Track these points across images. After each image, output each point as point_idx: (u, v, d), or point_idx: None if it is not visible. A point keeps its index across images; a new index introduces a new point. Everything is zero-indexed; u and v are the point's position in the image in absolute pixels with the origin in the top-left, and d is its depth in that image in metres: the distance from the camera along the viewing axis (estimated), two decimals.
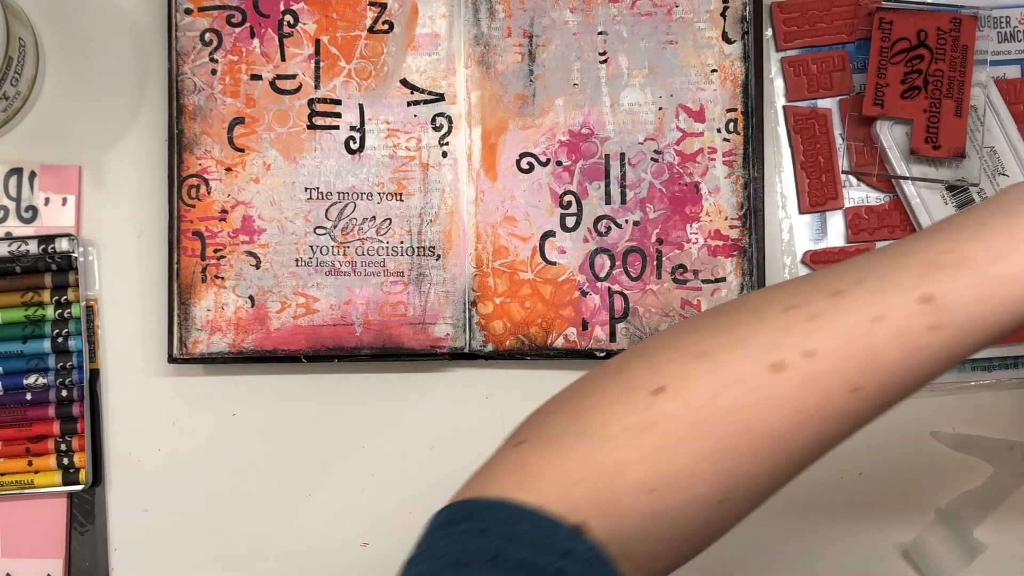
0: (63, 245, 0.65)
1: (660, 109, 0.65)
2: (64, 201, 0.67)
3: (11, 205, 0.67)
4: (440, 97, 0.65)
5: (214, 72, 0.65)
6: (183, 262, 0.65)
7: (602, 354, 0.65)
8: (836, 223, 0.68)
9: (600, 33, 0.66)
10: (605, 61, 0.66)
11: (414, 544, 0.39)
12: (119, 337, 0.67)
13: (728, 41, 0.65)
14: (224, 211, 0.65)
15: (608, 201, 0.65)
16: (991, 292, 0.36)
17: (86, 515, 0.67)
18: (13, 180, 0.67)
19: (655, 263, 0.65)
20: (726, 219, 0.65)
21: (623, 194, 0.65)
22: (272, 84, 0.65)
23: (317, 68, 0.66)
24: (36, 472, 0.66)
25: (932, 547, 0.66)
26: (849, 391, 0.36)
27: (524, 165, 0.65)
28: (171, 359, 0.65)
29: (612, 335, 0.65)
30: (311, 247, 0.65)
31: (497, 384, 0.67)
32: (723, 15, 0.65)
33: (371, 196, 0.65)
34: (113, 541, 0.67)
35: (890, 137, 0.65)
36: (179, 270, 0.65)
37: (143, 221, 0.67)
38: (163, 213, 0.66)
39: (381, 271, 0.65)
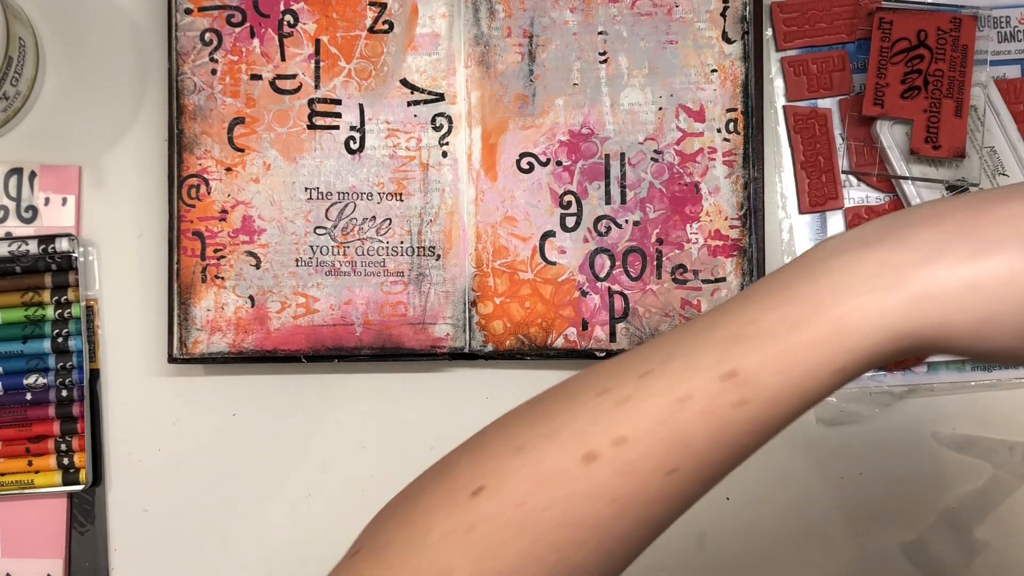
0: (63, 245, 0.65)
1: (660, 109, 0.65)
2: (64, 201, 0.67)
3: (11, 205, 0.67)
4: (440, 97, 0.65)
5: (214, 72, 0.65)
6: (183, 262, 0.65)
7: (602, 354, 0.65)
8: (836, 223, 0.68)
9: (600, 33, 0.66)
10: (605, 61, 0.66)
11: None
12: (119, 337, 0.67)
13: (728, 41, 0.65)
14: (224, 211, 0.65)
15: (608, 201, 0.65)
16: (793, 362, 0.35)
17: (86, 515, 0.67)
18: (13, 180, 0.67)
19: (655, 263, 0.65)
20: (726, 219, 0.65)
21: (623, 194, 0.65)
22: (272, 84, 0.65)
23: (317, 68, 0.66)
24: (36, 472, 0.66)
25: (932, 547, 0.66)
26: (665, 474, 0.35)
27: (524, 165, 0.65)
28: (171, 359, 0.65)
29: (612, 335, 0.65)
30: (311, 247, 0.65)
31: (497, 384, 0.67)
32: (723, 15, 0.65)
33: (371, 196, 0.65)
34: (113, 541, 0.67)
35: (890, 137, 0.65)
36: (179, 270, 0.65)
37: (143, 221, 0.67)
38: (163, 213, 0.66)
39: (381, 271, 0.65)
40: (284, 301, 0.65)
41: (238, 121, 0.65)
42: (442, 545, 0.37)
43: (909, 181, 0.66)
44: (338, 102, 0.65)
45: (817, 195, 0.67)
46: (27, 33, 0.66)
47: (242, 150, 0.65)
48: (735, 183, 0.65)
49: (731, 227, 0.65)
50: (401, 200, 0.65)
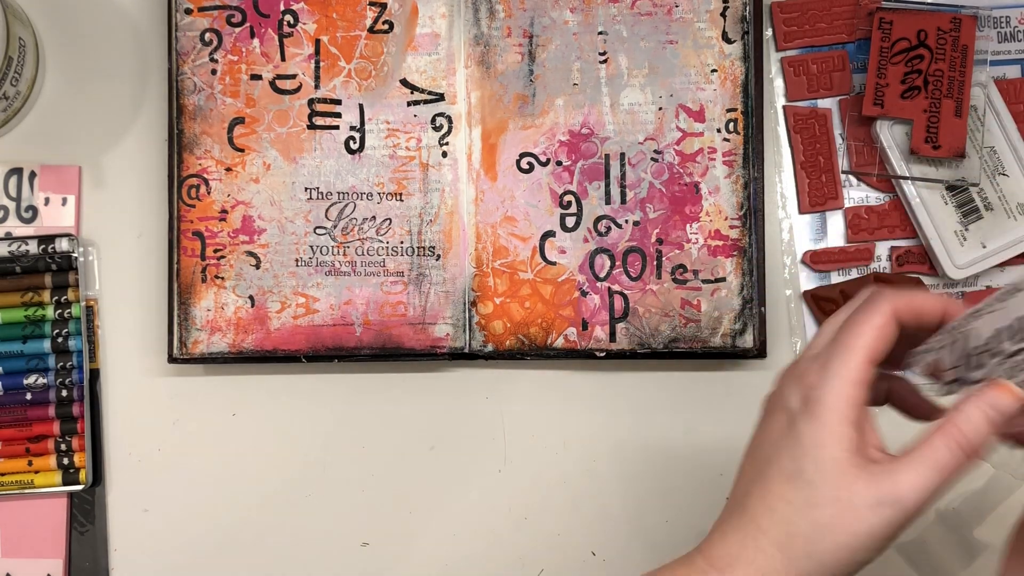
0: (63, 245, 0.65)
1: (660, 109, 0.65)
2: (64, 201, 0.67)
3: (11, 205, 0.67)
4: (440, 97, 0.65)
5: (214, 72, 0.65)
6: (183, 262, 0.65)
7: (602, 354, 0.65)
8: (836, 223, 0.68)
9: (600, 33, 0.66)
10: (605, 61, 0.66)
11: None
12: (119, 337, 0.67)
13: (728, 41, 0.65)
14: (224, 211, 0.65)
15: (608, 201, 0.65)
16: None
17: (86, 515, 0.67)
18: (13, 180, 0.67)
19: (655, 263, 0.65)
20: (726, 219, 0.65)
21: (623, 194, 0.65)
22: (272, 84, 0.65)
23: (317, 68, 0.66)
24: (36, 472, 0.66)
25: (932, 547, 0.66)
26: None
27: (524, 165, 0.65)
28: (171, 359, 0.65)
29: (612, 335, 0.65)
30: (311, 247, 0.65)
31: (497, 384, 0.67)
32: (723, 15, 0.65)
33: (371, 196, 0.65)
34: (113, 541, 0.67)
35: (890, 137, 0.65)
36: (179, 270, 0.65)
37: (143, 221, 0.67)
38: (163, 213, 0.66)
39: (381, 271, 0.65)
40: (284, 301, 0.65)
41: (238, 121, 0.65)
42: None
43: (909, 181, 0.66)
44: (338, 102, 0.65)
45: (817, 195, 0.67)
46: (27, 33, 0.66)
47: (242, 150, 0.65)
48: (735, 183, 0.65)
49: (731, 227, 0.65)
50: (401, 200, 0.65)
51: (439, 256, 0.65)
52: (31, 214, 0.67)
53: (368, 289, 0.65)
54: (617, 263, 0.65)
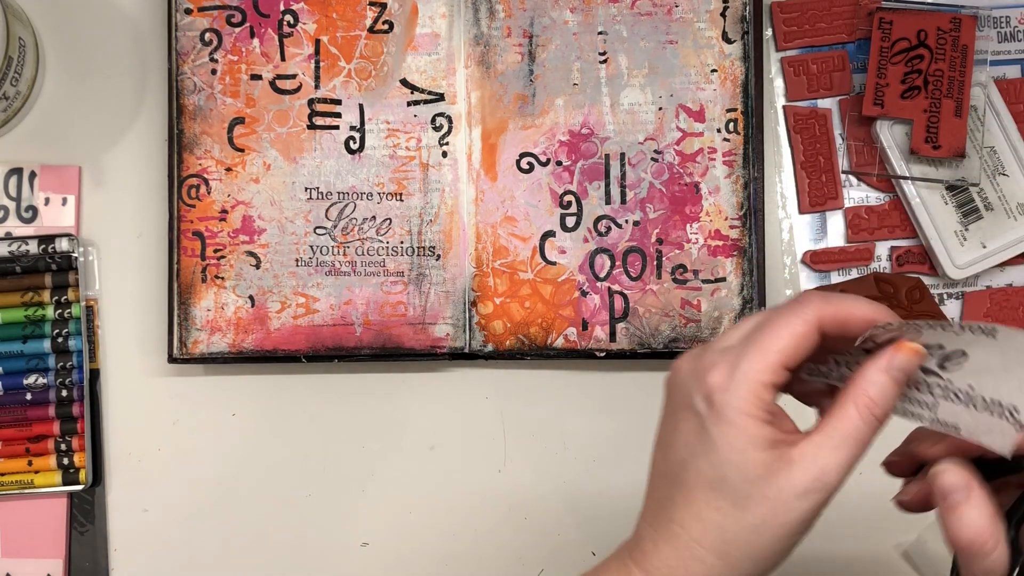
0: (63, 245, 0.65)
1: (660, 109, 0.65)
2: (64, 201, 0.67)
3: (11, 205, 0.67)
4: (440, 97, 0.66)
5: (214, 72, 0.65)
6: (183, 262, 0.65)
7: (602, 354, 0.65)
8: (836, 223, 0.68)
9: (600, 33, 0.66)
10: (605, 61, 0.66)
11: None
12: (119, 337, 0.67)
13: (728, 41, 0.65)
14: (224, 211, 0.65)
15: (608, 201, 0.65)
16: None
17: (86, 515, 0.67)
18: (13, 180, 0.67)
19: (655, 263, 0.65)
20: (726, 219, 0.65)
21: (623, 194, 0.65)
22: (272, 84, 0.65)
23: (317, 68, 0.66)
24: (36, 472, 0.66)
25: (932, 547, 0.66)
26: None
27: (524, 165, 0.65)
28: (171, 359, 0.65)
29: (612, 335, 0.65)
30: (311, 247, 0.65)
31: (497, 384, 0.67)
32: (723, 15, 0.65)
33: (371, 196, 0.65)
34: (113, 541, 0.67)
35: (890, 137, 0.65)
36: (179, 270, 0.65)
37: (143, 221, 0.67)
38: (163, 213, 0.66)
39: (381, 271, 0.65)
40: (284, 301, 0.65)
41: (238, 121, 0.65)
42: None
43: (909, 181, 0.66)
44: (338, 102, 0.65)
45: (817, 195, 0.67)
46: (27, 33, 0.66)
47: (242, 150, 0.65)
48: (735, 183, 0.65)
49: (731, 227, 0.65)
50: (401, 200, 0.65)
51: (439, 256, 0.65)
52: (31, 214, 0.67)
53: (368, 289, 0.65)
54: (617, 263, 0.65)
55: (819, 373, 0.42)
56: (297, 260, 0.65)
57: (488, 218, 0.65)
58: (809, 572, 0.68)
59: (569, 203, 0.65)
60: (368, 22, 0.66)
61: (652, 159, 0.65)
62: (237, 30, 0.65)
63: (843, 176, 0.67)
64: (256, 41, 0.65)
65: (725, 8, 0.65)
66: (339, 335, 0.65)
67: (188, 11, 0.65)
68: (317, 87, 0.65)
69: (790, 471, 0.38)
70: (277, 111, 0.65)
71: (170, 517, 0.67)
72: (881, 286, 0.66)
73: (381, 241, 0.65)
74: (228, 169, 0.65)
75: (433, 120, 0.65)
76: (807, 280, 0.67)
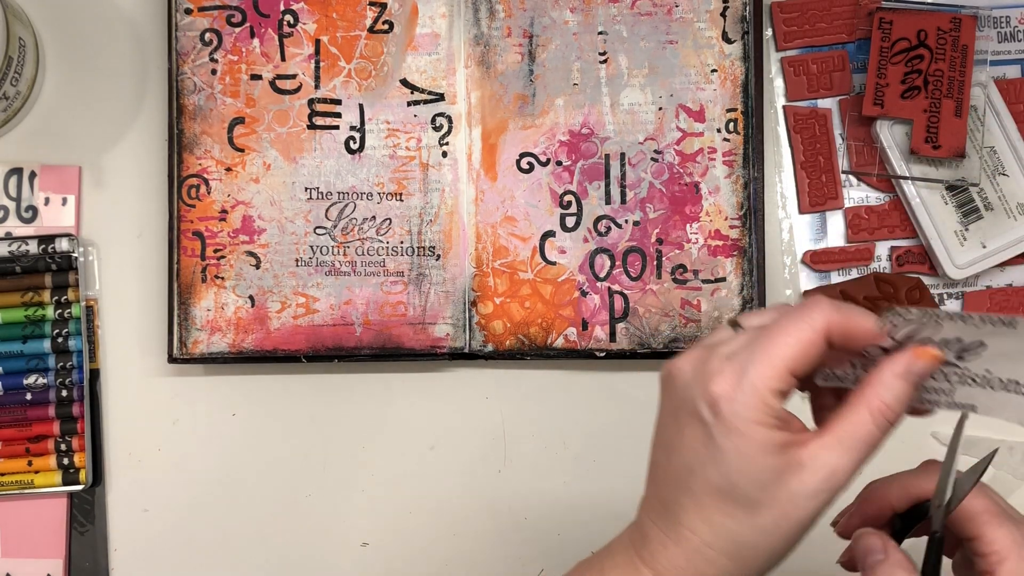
0: (63, 245, 0.65)
1: (660, 109, 0.65)
2: (64, 201, 0.67)
3: (11, 205, 0.67)
4: (440, 97, 0.66)
5: (214, 72, 0.65)
6: (183, 262, 0.65)
7: (602, 354, 0.65)
8: (836, 223, 0.68)
9: (600, 33, 0.66)
10: (605, 61, 0.66)
11: None
12: (119, 337, 0.67)
13: (728, 41, 0.65)
14: (224, 211, 0.65)
15: (608, 201, 0.65)
16: None
17: (86, 515, 0.67)
18: (13, 180, 0.67)
19: (655, 263, 0.65)
20: (726, 219, 0.65)
21: (623, 194, 0.65)
22: (272, 84, 0.65)
23: (317, 68, 0.66)
24: (36, 472, 0.66)
25: None
26: None
27: (524, 165, 0.65)
28: (171, 359, 0.65)
29: (612, 335, 0.65)
30: (311, 247, 0.65)
31: (497, 384, 0.67)
32: (723, 15, 0.65)
33: (371, 196, 0.65)
34: (113, 541, 0.67)
35: (890, 137, 0.65)
36: (179, 270, 0.65)
37: (143, 221, 0.67)
38: (163, 213, 0.66)
39: (381, 271, 0.65)
40: (284, 301, 0.65)
41: (238, 121, 0.65)
42: None
43: (909, 181, 0.66)
44: (338, 102, 0.65)
45: (817, 195, 0.67)
46: (27, 33, 0.66)
47: (242, 150, 0.65)
48: (735, 183, 0.65)
49: (731, 227, 0.65)
50: (401, 200, 0.65)
51: (439, 256, 0.65)
52: (31, 214, 0.67)
53: (368, 289, 0.65)
54: (617, 263, 0.65)
55: (834, 378, 0.42)
56: (297, 260, 0.65)
57: (488, 218, 0.65)
58: (809, 571, 0.68)
59: (569, 203, 0.65)
60: (368, 22, 0.66)
61: (652, 159, 0.65)
62: (237, 30, 0.65)
63: (843, 176, 0.67)
64: (256, 41, 0.65)
65: (725, 8, 0.65)
66: (339, 335, 0.65)
67: (188, 11, 0.65)
68: (317, 87, 0.65)
69: (801, 474, 0.39)
70: (277, 111, 0.65)
71: (170, 517, 0.67)
72: (881, 286, 0.66)
73: (381, 241, 0.65)
74: (228, 169, 0.65)
75: (433, 120, 0.65)
76: (807, 280, 0.67)
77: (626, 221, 0.65)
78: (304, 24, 0.66)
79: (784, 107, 0.68)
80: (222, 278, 0.65)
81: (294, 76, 0.65)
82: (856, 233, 0.67)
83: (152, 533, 0.67)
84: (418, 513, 0.68)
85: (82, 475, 0.66)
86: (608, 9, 0.66)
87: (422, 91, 0.65)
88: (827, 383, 0.42)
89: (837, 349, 0.40)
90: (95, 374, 0.67)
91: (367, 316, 0.65)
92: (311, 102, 0.65)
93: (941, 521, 0.42)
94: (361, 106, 0.65)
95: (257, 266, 0.65)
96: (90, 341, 0.67)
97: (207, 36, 0.65)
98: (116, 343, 0.67)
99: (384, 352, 0.65)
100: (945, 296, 0.67)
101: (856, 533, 0.42)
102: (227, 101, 0.65)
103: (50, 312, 0.66)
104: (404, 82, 0.66)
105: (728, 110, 0.65)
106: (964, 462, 0.43)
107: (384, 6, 0.66)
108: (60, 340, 0.66)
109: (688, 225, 0.65)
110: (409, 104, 0.65)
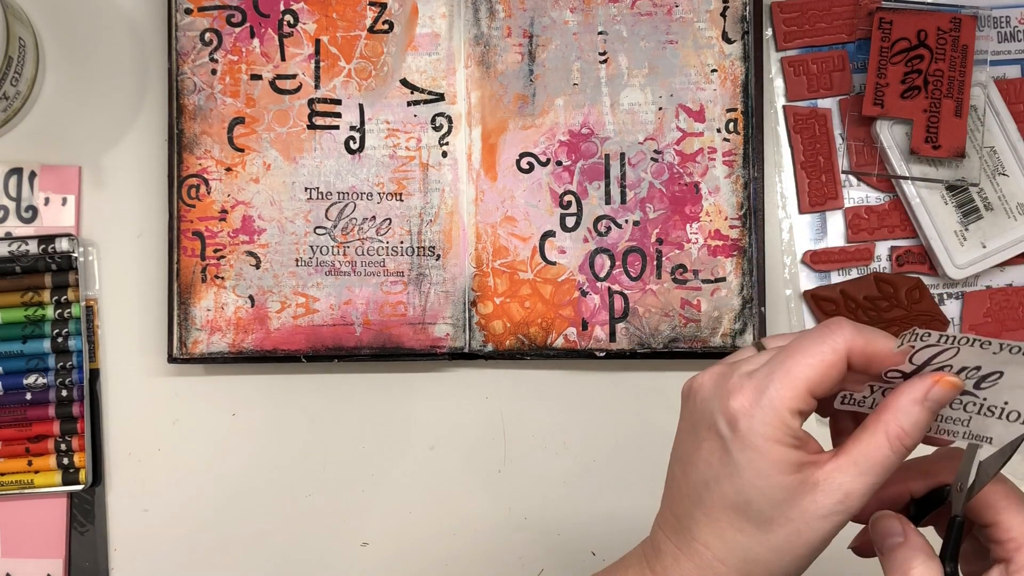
0: (63, 245, 0.65)
1: (660, 109, 0.65)
2: (64, 201, 0.67)
3: (11, 205, 0.67)
4: (440, 97, 0.66)
5: (214, 72, 0.65)
6: (183, 262, 0.65)
7: (602, 354, 0.65)
8: (836, 223, 0.68)
9: (600, 33, 0.66)
10: (605, 61, 0.66)
11: None
12: (119, 337, 0.67)
13: (728, 41, 0.65)
14: (224, 211, 0.65)
15: (608, 201, 0.65)
16: None
17: (86, 515, 0.67)
18: (13, 180, 0.67)
19: (655, 263, 0.65)
20: (726, 219, 0.65)
21: (623, 194, 0.65)
22: (272, 84, 0.65)
23: (317, 68, 0.66)
24: (36, 472, 0.66)
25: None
26: None
27: (524, 165, 0.65)
28: (171, 359, 0.65)
29: (612, 335, 0.65)
30: (311, 247, 0.65)
31: (497, 384, 0.67)
32: (723, 15, 0.65)
33: (371, 196, 0.65)
34: (113, 541, 0.67)
35: (890, 137, 0.65)
36: (179, 270, 0.65)
37: (143, 221, 0.67)
38: (163, 213, 0.66)
39: (381, 271, 0.65)
40: (284, 301, 0.65)
41: (238, 121, 0.65)
42: None
43: (909, 181, 0.66)
44: (338, 102, 0.65)
45: (817, 195, 0.67)
46: (27, 33, 0.66)
47: (242, 150, 0.65)
48: (735, 183, 0.65)
49: (731, 227, 0.65)
50: (401, 200, 0.65)
51: (439, 256, 0.65)
52: (31, 214, 0.67)
53: (368, 289, 0.65)
54: (617, 263, 0.65)
55: (853, 402, 0.42)
56: (297, 260, 0.65)
57: (488, 218, 0.65)
58: (808, 571, 0.68)
59: (569, 203, 0.65)
60: (368, 22, 0.66)
61: (652, 159, 0.65)
62: (237, 30, 0.65)
63: (843, 176, 0.67)
64: (256, 41, 0.65)
65: (725, 8, 0.65)
66: (339, 335, 0.65)
67: (188, 11, 0.65)
68: (317, 87, 0.65)
69: (815, 494, 0.39)
70: (277, 111, 0.65)
71: (170, 517, 0.67)
72: (881, 286, 0.66)
73: (381, 241, 0.65)
74: (228, 169, 0.65)
75: (433, 120, 0.65)
76: (807, 280, 0.67)
77: (626, 221, 0.65)
78: (304, 24, 0.66)
79: (784, 107, 0.68)
80: (222, 278, 0.65)
81: (294, 76, 0.65)
82: (856, 233, 0.67)
83: (152, 533, 0.67)
84: (418, 513, 0.68)
85: (82, 475, 0.66)
86: (608, 9, 0.66)
87: (422, 91, 0.66)
88: (845, 406, 0.42)
89: (857, 371, 0.40)
90: (95, 374, 0.67)
91: (367, 316, 0.65)
92: (311, 102, 0.65)
93: (962, 505, 0.41)
94: (361, 106, 0.65)
95: (257, 266, 0.65)
96: (90, 341, 0.67)
97: (207, 36, 0.65)
98: (116, 343, 0.67)
99: (384, 352, 0.65)
100: (945, 296, 0.67)
101: (873, 516, 0.42)
102: (227, 101, 0.65)
103: (50, 312, 0.66)
104: (404, 82, 0.66)
105: (728, 110, 0.65)
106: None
107: (384, 6, 0.66)
108: (60, 340, 0.66)
109: (688, 225, 0.65)
110: (409, 104, 0.65)
